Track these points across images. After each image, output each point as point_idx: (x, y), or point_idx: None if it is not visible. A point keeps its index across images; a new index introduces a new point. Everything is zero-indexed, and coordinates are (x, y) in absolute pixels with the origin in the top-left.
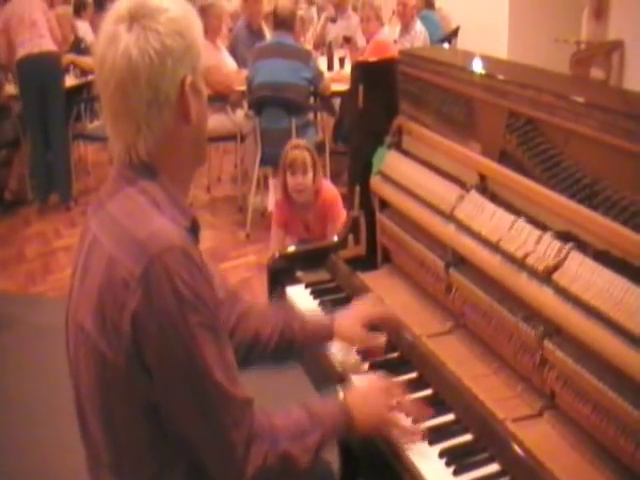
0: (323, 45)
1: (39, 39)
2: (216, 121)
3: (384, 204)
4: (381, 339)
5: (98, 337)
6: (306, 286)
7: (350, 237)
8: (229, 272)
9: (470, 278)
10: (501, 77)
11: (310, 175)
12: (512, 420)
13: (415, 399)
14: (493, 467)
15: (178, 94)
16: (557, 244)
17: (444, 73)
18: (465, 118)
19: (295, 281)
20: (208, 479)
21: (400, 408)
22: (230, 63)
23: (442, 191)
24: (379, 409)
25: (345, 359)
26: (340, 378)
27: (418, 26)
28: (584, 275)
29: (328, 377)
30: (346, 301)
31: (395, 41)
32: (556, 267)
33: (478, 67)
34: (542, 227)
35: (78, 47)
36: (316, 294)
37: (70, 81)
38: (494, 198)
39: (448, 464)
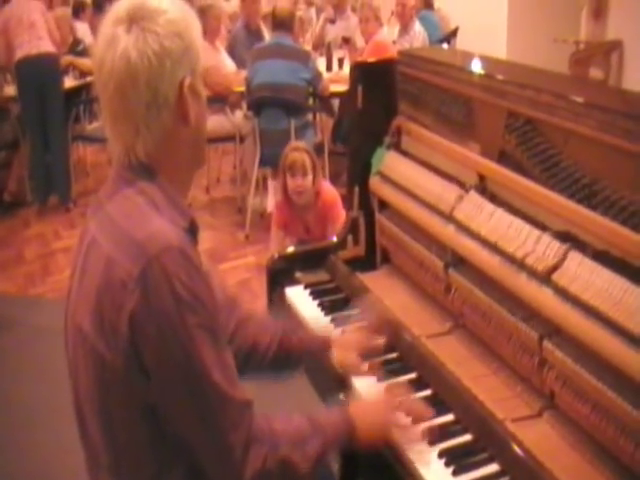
0: (322, 46)
1: (38, 40)
2: (215, 122)
3: (383, 205)
4: (379, 340)
5: (96, 338)
6: (305, 287)
7: (349, 238)
8: (228, 273)
9: (469, 278)
10: (500, 77)
11: (310, 177)
12: (511, 420)
13: (418, 400)
14: (493, 467)
15: (177, 96)
16: (556, 244)
17: (443, 73)
18: (464, 118)
19: (294, 282)
20: None
21: (402, 408)
22: (229, 64)
23: (441, 191)
24: (382, 421)
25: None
26: (340, 380)
27: (417, 27)
28: (583, 275)
29: (328, 379)
30: (345, 302)
31: (394, 42)
32: (555, 267)
33: (477, 67)
34: (541, 227)
35: (77, 48)
36: (315, 295)
37: (69, 82)
38: (493, 198)
39: (447, 464)
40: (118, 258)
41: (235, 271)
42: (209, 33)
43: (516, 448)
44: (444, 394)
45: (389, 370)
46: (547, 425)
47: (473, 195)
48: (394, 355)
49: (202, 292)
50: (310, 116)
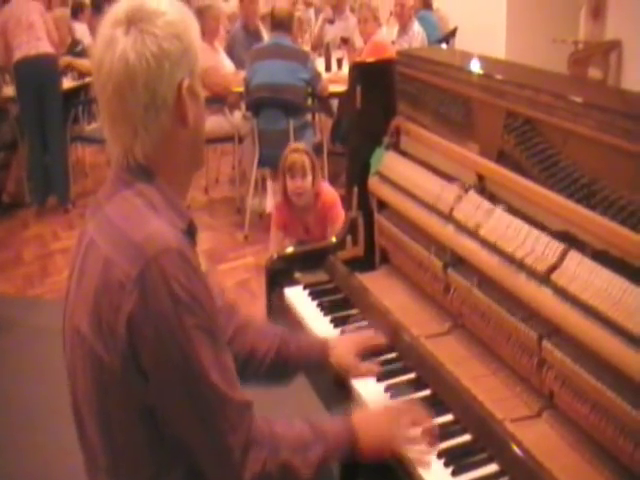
0: (321, 46)
1: (36, 41)
2: (214, 122)
3: (382, 205)
4: (379, 339)
5: (94, 340)
6: (304, 287)
7: (348, 238)
8: (227, 273)
9: (468, 278)
10: (499, 77)
11: (309, 178)
12: (511, 420)
13: (427, 426)
14: (492, 467)
15: (175, 97)
16: (555, 244)
17: (442, 73)
18: (463, 118)
19: (293, 282)
20: None
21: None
22: (228, 65)
23: (440, 191)
24: (386, 434)
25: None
26: (340, 381)
27: (416, 27)
28: (582, 275)
29: (329, 380)
30: (344, 302)
31: (393, 42)
32: (554, 267)
33: (476, 67)
34: (540, 227)
35: (75, 49)
36: (314, 295)
37: (68, 83)
38: (492, 198)
39: (447, 464)
40: (116, 259)
41: (234, 272)
42: (208, 34)
43: (515, 448)
44: (443, 394)
45: (388, 370)
46: (546, 425)
47: (472, 195)
48: (393, 355)
49: (200, 293)
50: (309, 116)
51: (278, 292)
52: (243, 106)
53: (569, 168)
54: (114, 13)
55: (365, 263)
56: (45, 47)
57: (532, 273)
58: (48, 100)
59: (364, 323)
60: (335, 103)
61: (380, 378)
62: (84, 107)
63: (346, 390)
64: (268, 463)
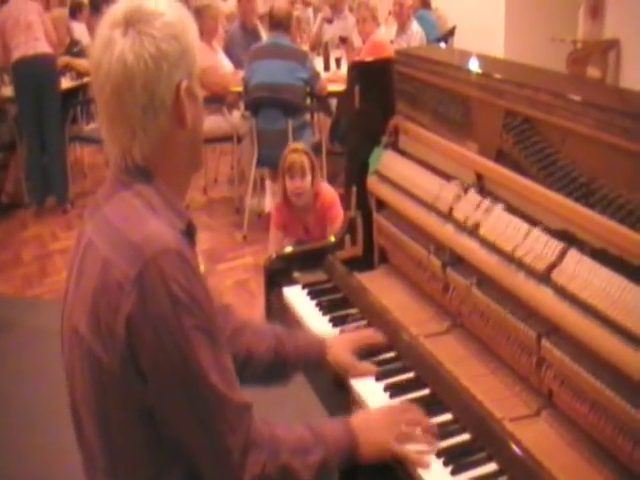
0: (319, 46)
1: (34, 41)
2: (212, 122)
3: (381, 204)
4: (377, 338)
5: (93, 340)
6: (303, 287)
7: (347, 237)
8: (226, 273)
9: (467, 277)
10: (497, 76)
11: (308, 178)
12: (510, 419)
13: (427, 428)
14: (491, 466)
15: (174, 99)
16: (554, 243)
17: (440, 73)
18: (462, 117)
19: (292, 282)
20: None
21: (409, 436)
22: (226, 64)
23: (439, 190)
24: (386, 437)
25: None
26: (339, 381)
27: (414, 26)
28: (581, 274)
29: (327, 380)
30: (343, 301)
31: (391, 41)
32: (553, 266)
33: (474, 66)
34: (539, 226)
35: (73, 49)
36: (313, 295)
37: (66, 83)
38: (491, 197)
39: (446, 464)
40: (115, 260)
41: (233, 271)
42: (206, 33)
43: (514, 447)
44: (442, 394)
45: (387, 370)
46: (545, 424)
47: (471, 194)
48: (392, 354)
49: (199, 294)
50: (308, 116)
51: (277, 292)
52: (242, 106)
53: (568, 167)
54: (112, 14)
55: (364, 263)
56: (43, 47)
57: (531, 272)
58: (46, 100)
59: (363, 322)
60: (334, 102)
61: (379, 377)
62: (82, 107)
63: (345, 390)
64: (268, 465)
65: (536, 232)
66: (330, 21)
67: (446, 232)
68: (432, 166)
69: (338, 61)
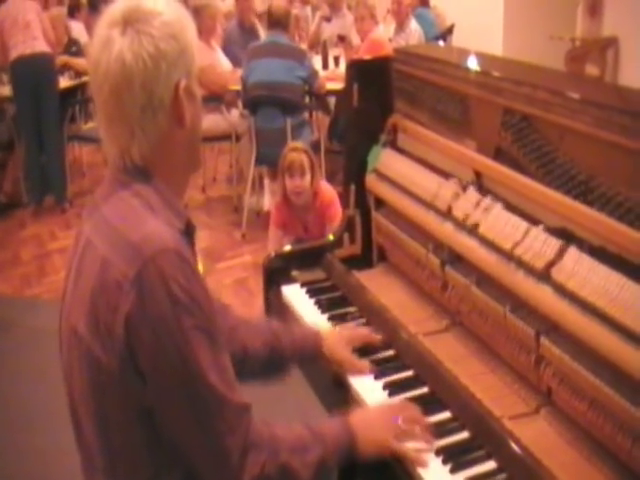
0: (318, 44)
1: (32, 41)
2: (211, 121)
3: (379, 202)
4: (376, 337)
5: (92, 340)
6: (302, 285)
7: (346, 236)
8: (225, 272)
9: (466, 276)
10: (496, 74)
11: (308, 177)
12: (509, 417)
13: (424, 426)
14: (490, 465)
15: (172, 98)
16: (553, 241)
17: (439, 71)
18: (460, 115)
19: (291, 280)
20: None
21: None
22: (225, 63)
23: (437, 189)
24: (384, 435)
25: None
26: (338, 379)
27: (413, 24)
28: (580, 272)
29: (326, 379)
30: (342, 300)
31: (390, 39)
32: (552, 264)
33: (473, 64)
34: (538, 223)
35: (72, 49)
36: (312, 293)
37: (64, 82)
38: (490, 195)
39: (445, 462)
40: (113, 259)
41: (232, 270)
42: (204, 32)
43: (513, 445)
44: (441, 392)
45: (386, 368)
46: (544, 422)
47: (470, 192)
48: (391, 353)
49: (199, 294)
50: (306, 114)
51: (276, 290)
52: (240, 104)
53: (566, 165)
54: (110, 13)
55: (362, 261)
56: (41, 46)
57: (530, 270)
58: (44, 99)
59: (362, 321)
60: (332, 101)
61: (378, 376)
62: (81, 106)
63: (344, 388)
64: (267, 466)
65: (535, 230)
66: (328, 19)
67: (445, 230)
68: (431, 164)
69: (337, 59)
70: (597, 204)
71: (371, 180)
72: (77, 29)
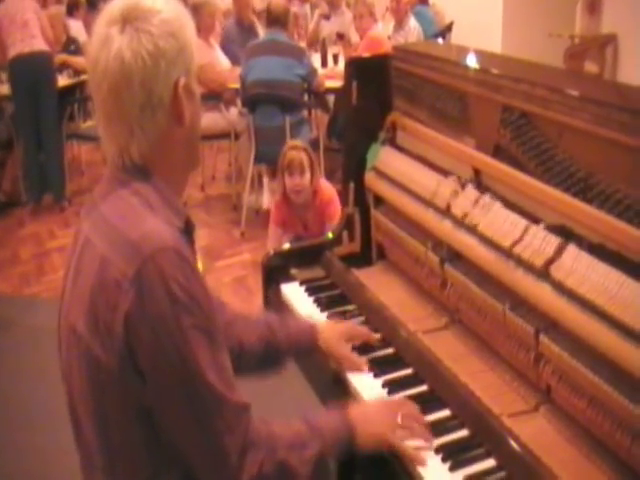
0: (317, 42)
1: (31, 39)
2: (210, 119)
3: (379, 200)
4: (374, 336)
5: (91, 339)
6: (301, 283)
7: (345, 234)
8: (224, 270)
9: (465, 273)
10: (495, 72)
11: (307, 176)
12: (508, 415)
13: (422, 425)
14: (489, 462)
15: (171, 96)
16: (552, 238)
17: (438, 68)
18: (459, 113)
19: (290, 279)
20: None
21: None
22: (224, 61)
23: (436, 186)
24: (383, 429)
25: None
26: (337, 377)
27: (412, 22)
28: (579, 269)
29: (325, 377)
30: (341, 298)
31: (389, 37)
32: (551, 261)
33: (472, 62)
34: (537, 221)
35: (70, 47)
36: (311, 291)
37: (63, 81)
38: (489, 192)
39: (444, 460)
40: (113, 258)
41: (231, 268)
42: (203, 30)
43: (513, 443)
44: (440, 390)
45: (385, 366)
46: (544, 420)
47: (468, 190)
48: (390, 351)
49: (198, 292)
50: (305, 112)
51: (275, 288)
52: (239, 102)
53: (565, 162)
54: (109, 12)
55: (362, 259)
56: (40, 45)
57: (529, 267)
58: (43, 98)
59: (361, 319)
60: (331, 99)
61: (377, 374)
62: (80, 105)
63: (343, 386)
64: (265, 464)
65: (534, 227)
66: (327, 17)
67: (444, 228)
68: (430, 162)
69: (335, 57)
70: (596, 201)
71: (370, 178)
72: (76, 27)
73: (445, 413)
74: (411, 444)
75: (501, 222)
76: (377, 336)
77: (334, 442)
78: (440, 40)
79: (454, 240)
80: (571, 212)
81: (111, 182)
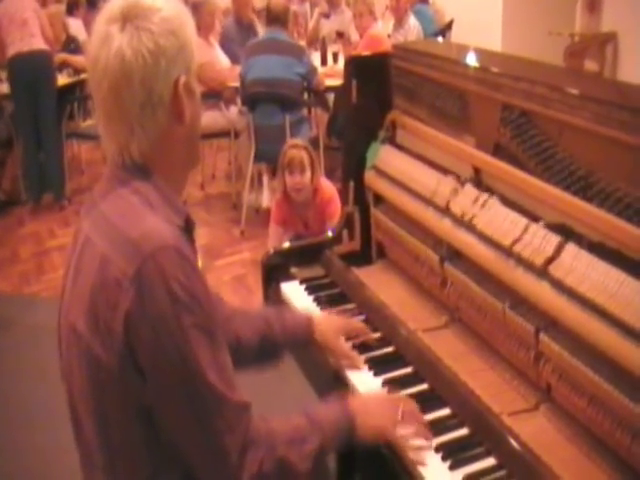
0: (317, 40)
1: (30, 38)
2: (210, 118)
3: (378, 199)
4: (370, 332)
5: (91, 338)
6: (301, 282)
7: (345, 232)
8: (224, 269)
9: (465, 272)
10: (495, 70)
11: (308, 174)
12: (508, 414)
13: (422, 424)
14: (489, 461)
15: (172, 95)
16: (552, 236)
17: (438, 67)
18: (459, 111)
19: (290, 277)
20: None
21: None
22: (223, 60)
23: (436, 185)
24: (384, 422)
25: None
26: (336, 375)
27: (412, 20)
28: (579, 267)
29: (324, 374)
30: (341, 296)
31: (389, 35)
32: (551, 260)
33: (472, 60)
34: (537, 219)
35: (70, 46)
36: (311, 290)
37: (63, 80)
38: (488, 191)
39: (444, 459)
40: (113, 257)
41: (231, 267)
42: (203, 29)
43: (513, 442)
44: (440, 388)
45: (385, 364)
46: (544, 418)
47: (468, 188)
48: (390, 349)
49: (199, 291)
50: (305, 111)
51: (275, 287)
52: (239, 101)
53: (565, 160)
54: (109, 10)
55: (362, 257)
56: (39, 43)
57: (529, 266)
58: (42, 97)
59: (361, 318)
60: (331, 97)
61: (377, 372)
62: (79, 103)
63: (343, 384)
64: (265, 462)
65: (534, 226)
66: (327, 16)
67: (444, 227)
68: (430, 160)
69: (335, 56)
70: (596, 200)
71: (370, 176)
72: (75, 26)
73: (445, 412)
74: (411, 444)
75: (501, 221)
76: (375, 335)
77: (334, 434)
78: (440, 38)
79: (454, 239)
80: (571, 210)
81: (111, 181)
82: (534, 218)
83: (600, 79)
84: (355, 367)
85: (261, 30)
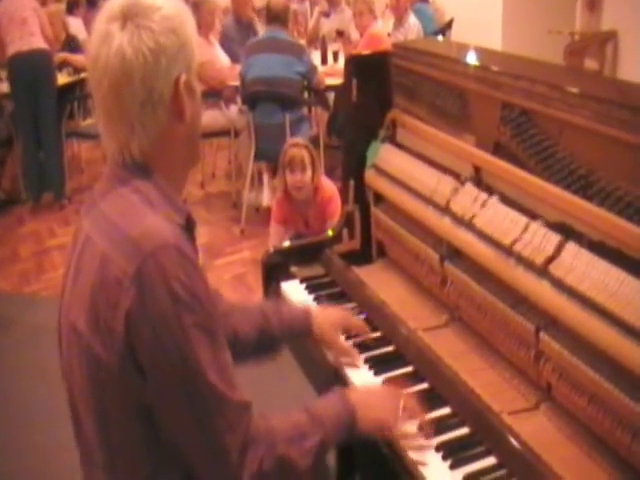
0: (317, 39)
1: (29, 37)
2: (210, 117)
3: (378, 198)
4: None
5: (91, 337)
6: (301, 281)
7: (345, 231)
8: (224, 268)
9: (465, 271)
10: (495, 69)
11: (309, 173)
12: (508, 413)
13: (423, 422)
14: (490, 460)
15: (172, 93)
16: (552, 235)
17: (438, 65)
18: (459, 110)
19: (290, 276)
20: None
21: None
22: (224, 59)
23: (436, 184)
24: (385, 415)
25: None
26: (336, 373)
27: (412, 19)
28: (579, 266)
29: (324, 372)
30: (341, 295)
31: (389, 34)
32: (551, 258)
33: (472, 59)
34: (537, 218)
35: (70, 45)
36: (311, 289)
37: (63, 79)
38: (489, 190)
39: (445, 458)
40: (113, 255)
41: (231, 266)
42: (203, 28)
43: (513, 441)
44: (440, 388)
45: (385, 364)
46: (544, 418)
47: (468, 187)
48: (390, 348)
49: (200, 290)
50: (305, 110)
51: (275, 286)
52: (239, 100)
53: (566, 159)
54: (109, 8)
55: (362, 256)
56: (39, 42)
57: (529, 265)
58: (42, 96)
59: (361, 317)
60: (331, 96)
61: (377, 372)
62: (79, 102)
63: (343, 383)
64: (265, 460)
65: (534, 225)
66: (327, 15)
67: (444, 225)
68: (430, 159)
69: (335, 55)
70: (597, 199)
71: (370, 175)
72: (75, 25)
73: (445, 411)
74: (411, 444)
75: (501, 219)
76: (374, 334)
77: (335, 428)
78: (440, 37)
79: (454, 237)
80: (571, 209)
81: (111, 180)
82: (534, 217)
83: (600, 78)
84: (353, 363)
85: (261, 29)
